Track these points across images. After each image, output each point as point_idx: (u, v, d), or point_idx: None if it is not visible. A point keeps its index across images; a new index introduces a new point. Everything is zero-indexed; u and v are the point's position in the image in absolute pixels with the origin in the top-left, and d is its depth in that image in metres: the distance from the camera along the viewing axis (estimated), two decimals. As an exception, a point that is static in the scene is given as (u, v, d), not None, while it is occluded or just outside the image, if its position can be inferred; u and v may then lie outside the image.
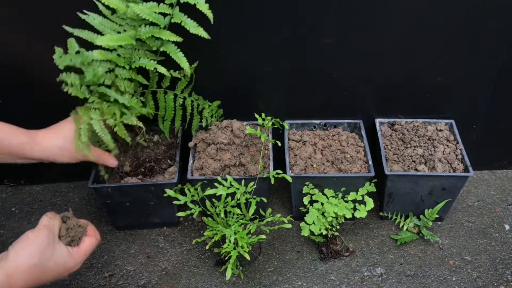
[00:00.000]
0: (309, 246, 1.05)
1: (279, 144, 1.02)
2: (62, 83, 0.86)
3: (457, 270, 1.00)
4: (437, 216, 1.05)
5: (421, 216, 1.06)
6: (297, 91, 1.08)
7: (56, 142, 0.86)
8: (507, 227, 1.10)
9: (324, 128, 1.12)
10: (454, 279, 0.99)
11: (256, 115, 1.01)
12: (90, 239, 0.83)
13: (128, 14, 0.84)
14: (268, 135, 1.04)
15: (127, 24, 0.87)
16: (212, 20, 0.84)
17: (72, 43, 0.84)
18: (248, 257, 0.87)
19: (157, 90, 0.99)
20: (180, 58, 0.89)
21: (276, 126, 1.05)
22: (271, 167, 0.99)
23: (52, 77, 0.85)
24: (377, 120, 1.11)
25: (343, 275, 1.00)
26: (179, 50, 0.89)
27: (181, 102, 1.01)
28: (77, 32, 0.85)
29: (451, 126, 1.10)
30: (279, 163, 1.02)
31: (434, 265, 1.01)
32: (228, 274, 0.87)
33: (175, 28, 0.86)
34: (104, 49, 0.86)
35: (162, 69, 0.89)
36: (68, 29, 0.84)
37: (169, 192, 0.96)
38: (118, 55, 0.88)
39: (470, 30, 0.98)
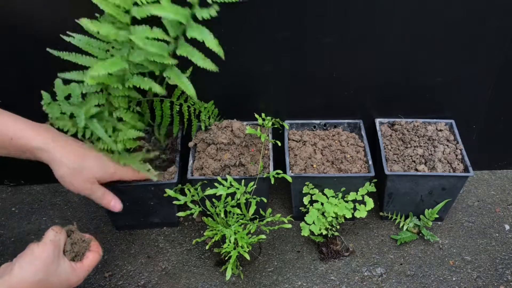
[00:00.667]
0: (309, 246, 1.05)
1: (279, 144, 1.02)
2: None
3: (457, 270, 1.00)
4: (437, 216, 1.05)
5: (421, 216, 1.06)
6: (297, 91, 1.08)
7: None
8: (507, 227, 1.10)
9: (324, 128, 1.13)
10: (454, 279, 0.99)
11: (256, 115, 1.01)
12: (93, 255, 0.83)
13: (119, 40, 0.79)
14: (268, 135, 1.04)
15: (116, 41, 0.81)
16: (223, 57, 0.77)
17: (59, 85, 0.82)
18: (248, 257, 0.87)
19: (154, 99, 0.99)
20: (186, 84, 0.82)
21: (276, 126, 1.05)
22: (271, 167, 0.99)
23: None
24: (377, 120, 1.11)
25: (343, 275, 1.00)
26: (184, 76, 0.83)
27: (177, 109, 1.00)
28: (65, 56, 0.82)
29: (451, 126, 1.10)
30: (279, 163, 1.02)
31: (434, 265, 1.01)
32: (228, 274, 0.87)
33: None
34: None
35: (157, 88, 0.83)
36: (56, 53, 0.81)
37: (169, 192, 0.96)
38: (110, 74, 0.80)
39: (470, 30, 0.98)
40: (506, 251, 1.04)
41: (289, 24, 0.95)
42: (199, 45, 0.78)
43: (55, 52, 0.81)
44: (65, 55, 0.82)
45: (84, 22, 0.75)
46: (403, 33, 0.98)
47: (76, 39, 0.82)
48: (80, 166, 0.83)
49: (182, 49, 0.80)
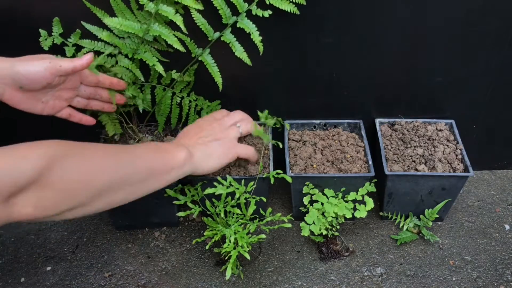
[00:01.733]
0: (309, 246, 1.05)
1: (281, 145, 1.02)
2: None
3: (457, 270, 1.00)
4: (437, 216, 1.05)
5: (421, 216, 1.06)
6: (297, 91, 1.08)
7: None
8: (507, 227, 1.10)
9: (324, 128, 1.13)
10: (454, 279, 0.99)
11: (259, 113, 1.01)
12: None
13: (146, 8, 0.85)
14: (268, 135, 1.04)
15: (142, 15, 0.88)
16: (261, 53, 0.92)
17: (57, 24, 0.87)
18: (248, 257, 0.87)
19: (156, 86, 1.00)
20: (215, 72, 0.95)
21: (277, 125, 1.06)
22: (271, 167, 0.99)
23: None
24: (377, 120, 1.11)
25: (343, 275, 1.00)
26: (215, 64, 0.94)
27: (178, 101, 1.01)
28: (94, 10, 0.87)
29: (451, 126, 1.10)
30: (279, 163, 1.02)
31: (434, 265, 1.01)
32: (228, 273, 0.87)
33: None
34: (113, 33, 0.88)
35: (159, 68, 0.90)
36: (87, 4, 0.86)
37: (169, 192, 0.96)
38: (124, 43, 0.90)
39: (470, 30, 0.98)
40: (506, 251, 1.04)
41: (289, 24, 0.95)
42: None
43: (87, 3, 0.86)
44: (93, 8, 0.87)
45: None
46: (403, 33, 0.98)
47: (115, 0, 0.87)
48: None
49: (227, 37, 0.92)
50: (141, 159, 0.76)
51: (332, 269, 1.01)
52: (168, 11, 0.86)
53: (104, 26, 0.90)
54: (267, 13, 0.90)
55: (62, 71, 0.77)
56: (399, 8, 0.94)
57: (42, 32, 0.88)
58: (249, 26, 0.91)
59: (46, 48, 0.88)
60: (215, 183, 0.94)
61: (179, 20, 0.86)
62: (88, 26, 0.90)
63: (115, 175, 0.70)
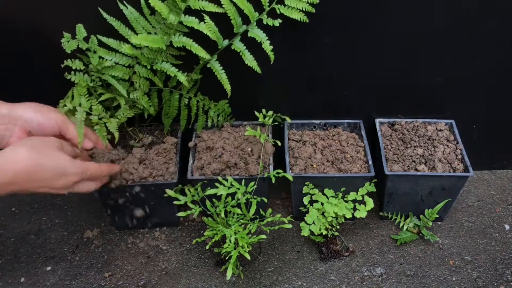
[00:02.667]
0: (309, 246, 1.05)
1: (279, 144, 1.02)
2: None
3: (457, 270, 1.00)
4: (437, 216, 1.05)
5: (421, 216, 1.06)
6: (297, 91, 1.08)
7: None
8: (507, 227, 1.10)
9: (324, 128, 1.13)
10: (454, 279, 0.99)
11: (257, 113, 1.01)
12: (104, 165, 0.88)
13: (169, 20, 0.85)
14: (268, 135, 1.04)
15: (160, 28, 0.89)
16: (272, 61, 0.93)
17: (80, 29, 0.86)
18: (248, 257, 0.87)
19: (163, 89, 1.00)
20: (223, 78, 0.94)
21: (277, 122, 1.06)
22: (271, 167, 0.99)
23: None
24: (377, 120, 1.11)
25: (343, 275, 1.00)
26: (223, 70, 0.94)
27: (186, 102, 1.01)
28: (111, 20, 0.87)
29: (451, 126, 1.10)
30: (279, 163, 1.02)
31: (434, 265, 1.01)
32: (229, 274, 0.87)
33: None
34: (133, 45, 0.88)
35: (181, 78, 0.91)
36: (105, 15, 0.87)
37: (170, 192, 0.96)
38: (142, 53, 0.90)
39: (470, 30, 0.98)
40: (506, 251, 1.04)
41: (289, 24, 0.95)
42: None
43: (104, 14, 0.87)
44: (111, 20, 0.87)
45: None
46: (403, 33, 0.98)
47: (129, 10, 0.88)
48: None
49: (236, 46, 0.92)
50: None
51: (332, 269, 1.01)
52: (192, 21, 0.86)
53: (119, 38, 0.89)
54: (277, 22, 0.90)
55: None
56: (399, 8, 0.94)
57: (66, 34, 0.87)
58: (260, 35, 0.91)
59: (68, 51, 0.87)
60: (216, 184, 0.94)
61: (204, 28, 0.86)
62: (107, 40, 0.89)
63: None
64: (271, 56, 0.92)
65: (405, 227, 1.07)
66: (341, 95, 1.08)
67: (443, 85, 1.07)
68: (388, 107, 1.11)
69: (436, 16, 0.95)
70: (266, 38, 0.91)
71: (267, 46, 0.92)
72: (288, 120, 1.08)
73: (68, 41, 0.87)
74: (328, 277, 0.99)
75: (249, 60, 0.93)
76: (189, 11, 0.88)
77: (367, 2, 0.93)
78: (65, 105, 0.88)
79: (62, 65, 0.87)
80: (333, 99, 1.10)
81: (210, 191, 0.92)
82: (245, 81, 1.05)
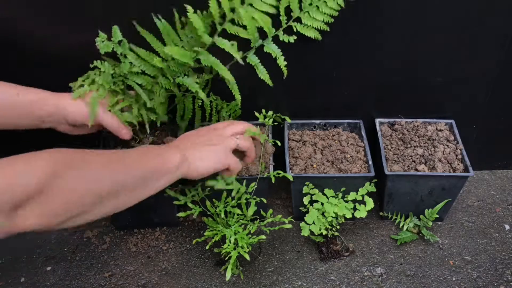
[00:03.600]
0: (309, 246, 1.05)
1: (279, 144, 1.02)
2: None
3: (457, 270, 1.00)
4: (437, 216, 1.05)
5: (421, 216, 1.06)
6: (297, 91, 1.08)
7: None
8: (507, 227, 1.10)
9: (324, 128, 1.13)
10: (454, 279, 0.99)
11: (257, 114, 1.01)
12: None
13: (202, 39, 0.86)
14: (268, 135, 1.04)
15: (187, 42, 0.89)
16: (285, 76, 0.94)
17: (116, 31, 0.86)
18: (248, 257, 0.87)
19: (176, 93, 1.00)
20: (236, 90, 0.94)
21: (277, 123, 1.05)
22: (271, 167, 0.99)
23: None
24: (377, 120, 1.11)
25: (343, 275, 1.00)
26: (235, 81, 0.93)
27: (200, 104, 1.02)
28: (144, 33, 0.88)
29: (451, 126, 1.10)
30: (279, 163, 1.02)
31: (434, 265, 1.01)
32: (228, 274, 0.87)
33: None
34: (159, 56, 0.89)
35: (202, 95, 0.92)
36: (138, 28, 0.87)
37: (169, 192, 0.95)
38: (168, 66, 0.90)
39: (470, 30, 0.98)
40: (506, 251, 1.04)
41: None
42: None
43: (138, 27, 0.87)
44: (143, 32, 0.87)
45: (191, 11, 0.82)
46: (403, 33, 0.98)
47: (162, 23, 0.88)
48: None
49: (251, 60, 0.93)
50: (134, 167, 0.76)
51: (332, 269, 1.01)
52: (225, 43, 0.87)
53: (145, 46, 0.89)
54: (292, 39, 0.92)
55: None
56: (399, 8, 0.94)
57: (101, 34, 0.86)
58: (275, 51, 0.92)
59: (102, 52, 0.87)
60: (216, 177, 0.94)
61: (234, 51, 0.87)
62: (138, 50, 0.89)
63: (112, 184, 0.71)
64: (285, 71, 0.93)
65: (405, 227, 1.07)
66: (341, 95, 1.08)
67: (443, 85, 1.07)
68: (388, 107, 1.11)
69: (436, 16, 0.95)
70: (281, 54, 0.93)
71: (281, 62, 0.93)
72: (288, 120, 1.08)
73: (103, 42, 0.86)
74: (328, 277, 0.99)
75: (263, 73, 0.94)
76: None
77: (367, 2, 0.93)
78: (82, 85, 0.88)
79: (91, 65, 0.88)
80: (333, 99, 1.10)
81: (209, 183, 0.92)
82: (245, 81, 1.05)
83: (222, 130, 0.90)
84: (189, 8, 0.82)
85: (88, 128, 0.89)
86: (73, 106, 0.86)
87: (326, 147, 1.07)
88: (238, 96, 0.95)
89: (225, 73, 0.89)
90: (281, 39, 0.92)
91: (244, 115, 1.07)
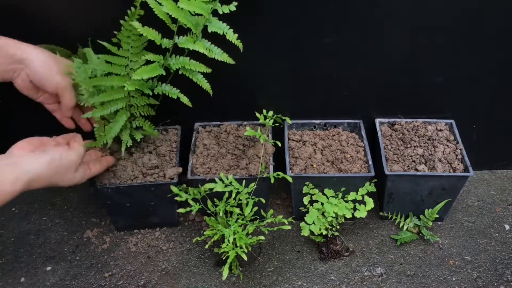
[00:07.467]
0: (309, 246, 1.05)
1: (279, 144, 1.02)
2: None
3: (457, 270, 1.00)
4: (437, 216, 1.05)
5: (421, 216, 1.06)
6: (297, 91, 1.08)
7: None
8: (507, 227, 1.10)
9: (324, 128, 1.13)
10: (454, 279, 0.99)
11: (257, 114, 1.01)
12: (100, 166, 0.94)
13: (164, 45, 0.85)
14: (268, 135, 1.04)
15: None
16: (241, 49, 0.86)
17: (90, 53, 0.88)
18: (245, 257, 0.87)
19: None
20: (207, 86, 0.91)
21: (278, 123, 1.05)
22: (271, 168, 0.99)
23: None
24: (377, 120, 1.11)
25: (343, 275, 1.00)
26: (205, 80, 0.91)
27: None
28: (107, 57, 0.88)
29: (451, 126, 1.10)
30: (279, 163, 1.02)
31: (434, 265, 1.01)
32: (225, 274, 0.86)
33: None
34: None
35: (184, 99, 0.91)
36: (106, 45, 0.87)
37: (173, 188, 0.95)
38: (147, 79, 0.90)
39: (470, 30, 0.98)
40: (506, 251, 1.04)
41: (289, 24, 0.95)
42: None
43: (107, 45, 0.87)
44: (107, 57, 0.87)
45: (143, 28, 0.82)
46: (403, 33, 0.98)
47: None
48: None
49: (200, 45, 0.86)
50: None
51: (332, 269, 1.01)
52: (187, 42, 0.86)
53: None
54: (233, 6, 0.83)
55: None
56: (399, 8, 0.94)
57: (77, 61, 0.87)
58: (221, 27, 0.85)
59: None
60: (216, 179, 0.94)
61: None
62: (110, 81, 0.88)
63: None
64: (239, 45, 0.86)
65: (405, 227, 1.07)
66: (341, 95, 1.08)
67: (443, 85, 1.07)
68: (388, 107, 1.11)
69: (436, 16, 0.95)
70: (228, 27, 0.85)
71: (231, 36, 0.85)
72: (289, 121, 1.08)
73: (80, 67, 0.87)
74: (328, 277, 0.99)
75: (219, 54, 0.88)
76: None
77: (367, 2, 0.93)
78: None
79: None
80: (333, 99, 1.10)
81: (207, 186, 0.92)
82: (245, 81, 1.05)
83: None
84: None
85: (43, 92, 0.90)
86: (35, 54, 0.85)
87: (326, 147, 1.07)
88: (206, 86, 0.92)
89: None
90: (220, 12, 0.84)
91: (244, 115, 1.07)
